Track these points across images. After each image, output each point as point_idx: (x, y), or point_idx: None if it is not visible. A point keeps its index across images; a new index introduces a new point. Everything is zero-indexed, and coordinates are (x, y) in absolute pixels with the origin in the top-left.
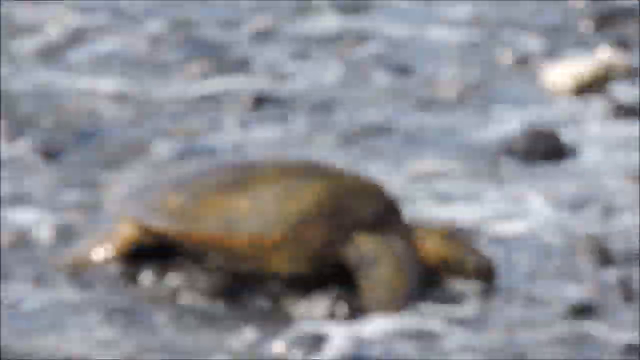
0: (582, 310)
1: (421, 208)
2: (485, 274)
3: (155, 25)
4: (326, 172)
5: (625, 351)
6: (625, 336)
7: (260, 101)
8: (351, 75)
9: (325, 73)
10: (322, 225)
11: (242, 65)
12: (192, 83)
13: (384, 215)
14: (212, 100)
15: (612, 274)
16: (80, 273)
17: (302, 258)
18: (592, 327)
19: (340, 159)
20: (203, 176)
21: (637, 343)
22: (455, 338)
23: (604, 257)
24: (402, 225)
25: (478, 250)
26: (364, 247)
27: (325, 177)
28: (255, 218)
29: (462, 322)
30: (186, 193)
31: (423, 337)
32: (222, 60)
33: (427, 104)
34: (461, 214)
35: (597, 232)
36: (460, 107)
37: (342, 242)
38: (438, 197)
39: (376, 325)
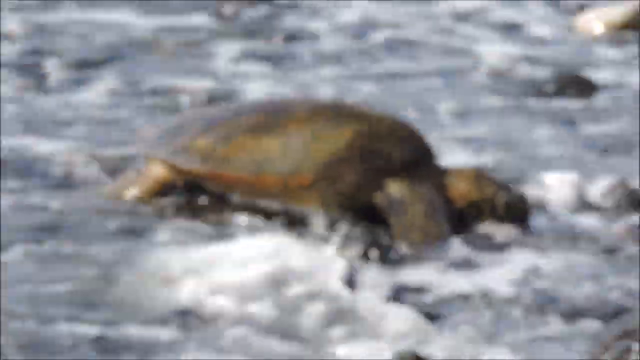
0: (611, 252)
1: (452, 149)
2: (519, 211)
3: None
4: (358, 113)
5: None
6: None
7: None
8: None
9: None
10: (353, 166)
11: None
12: None
13: (416, 157)
14: None
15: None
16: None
17: (333, 199)
18: (621, 269)
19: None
20: (233, 118)
21: None
22: (485, 280)
23: (635, 201)
24: (434, 167)
25: (510, 187)
26: (394, 191)
27: (358, 119)
28: (285, 159)
29: (493, 263)
30: (216, 134)
31: (457, 275)
32: None
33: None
34: (492, 154)
35: (628, 173)
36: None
37: (373, 185)
38: (469, 138)
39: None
